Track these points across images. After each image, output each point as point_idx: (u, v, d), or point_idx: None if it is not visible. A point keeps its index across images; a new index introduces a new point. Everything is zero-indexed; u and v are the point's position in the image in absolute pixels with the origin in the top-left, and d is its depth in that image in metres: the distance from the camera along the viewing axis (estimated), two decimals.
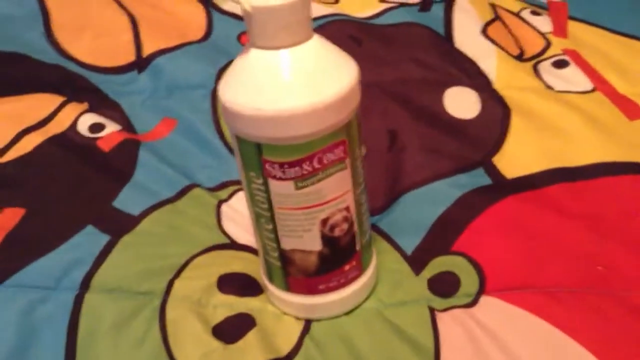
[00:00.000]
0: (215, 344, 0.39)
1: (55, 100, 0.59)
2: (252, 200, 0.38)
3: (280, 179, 0.36)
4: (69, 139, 0.55)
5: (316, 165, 0.36)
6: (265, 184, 0.36)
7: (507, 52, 0.64)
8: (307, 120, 0.34)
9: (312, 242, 0.38)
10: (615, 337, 0.38)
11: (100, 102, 0.60)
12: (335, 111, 0.35)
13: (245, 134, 0.35)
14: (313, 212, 0.37)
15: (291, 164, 0.35)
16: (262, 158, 0.35)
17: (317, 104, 0.34)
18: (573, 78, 0.60)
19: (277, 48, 0.34)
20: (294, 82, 0.34)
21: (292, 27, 0.34)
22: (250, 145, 0.35)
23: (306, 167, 0.35)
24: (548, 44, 0.65)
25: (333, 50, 0.36)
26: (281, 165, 0.35)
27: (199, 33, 0.68)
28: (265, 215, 0.38)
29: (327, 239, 0.38)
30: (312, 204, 0.37)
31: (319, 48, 0.35)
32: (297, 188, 0.36)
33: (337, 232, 0.39)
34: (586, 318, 0.39)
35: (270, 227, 0.38)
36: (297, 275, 0.40)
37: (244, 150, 0.36)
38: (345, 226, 0.39)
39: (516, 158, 0.51)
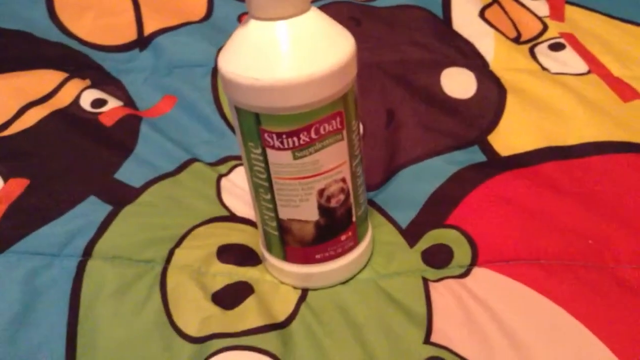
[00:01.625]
0: (214, 309, 0.40)
1: (58, 76, 0.60)
2: (251, 171, 0.39)
3: (278, 148, 0.37)
4: (71, 114, 0.56)
5: (313, 135, 0.37)
6: (264, 154, 0.37)
7: (504, 34, 0.65)
8: (305, 90, 0.35)
9: (309, 212, 0.39)
10: (604, 308, 0.39)
11: (103, 79, 0.61)
12: (332, 82, 0.35)
13: (244, 104, 0.36)
14: (310, 182, 0.38)
15: (289, 134, 0.36)
16: (260, 128, 0.36)
17: (314, 74, 0.34)
18: (569, 60, 0.61)
19: (276, 19, 0.35)
20: (292, 52, 0.35)
21: None
22: (249, 115, 0.36)
23: (304, 137, 0.36)
24: (545, 27, 0.66)
25: (330, 22, 0.37)
26: (279, 135, 0.36)
27: (200, 13, 0.69)
28: (263, 185, 0.39)
29: (323, 209, 0.39)
30: (309, 174, 0.38)
31: (316, 20, 0.36)
32: (295, 158, 0.37)
33: (333, 203, 0.40)
34: (576, 289, 0.40)
35: (268, 197, 0.39)
36: (295, 244, 0.41)
37: (243, 120, 0.37)
38: (341, 197, 0.40)
39: (511, 136, 0.52)
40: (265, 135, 0.36)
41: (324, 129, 0.37)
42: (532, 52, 0.63)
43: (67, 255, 0.43)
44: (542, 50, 0.63)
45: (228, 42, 0.37)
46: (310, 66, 0.35)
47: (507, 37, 0.64)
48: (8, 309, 0.40)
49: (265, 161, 0.38)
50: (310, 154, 0.37)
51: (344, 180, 0.39)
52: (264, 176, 0.39)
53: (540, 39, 0.65)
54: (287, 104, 0.35)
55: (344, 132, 0.38)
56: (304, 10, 0.35)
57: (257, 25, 0.35)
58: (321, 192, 0.39)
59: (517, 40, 0.65)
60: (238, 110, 0.37)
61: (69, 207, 0.47)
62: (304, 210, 0.39)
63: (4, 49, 0.62)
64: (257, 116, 0.36)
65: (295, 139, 0.36)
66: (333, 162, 0.38)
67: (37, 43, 0.63)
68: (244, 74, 0.35)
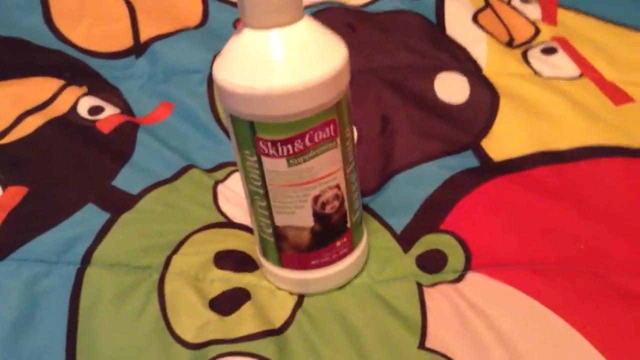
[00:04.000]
0: (211, 315, 0.41)
1: (55, 83, 0.60)
2: (246, 178, 0.40)
3: (273, 156, 0.37)
4: (69, 121, 0.56)
5: (307, 143, 0.37)
6: (259, 161, 0.38)
7: (497, 38, 0.65)
8: (300, 98, 0.35)
9: (305, 219, 0.40)
10: (597, 313, 0.39)
11: (99, 86, 0.61)
12: (326, 90, 0.36)
13: (239, 113, 0.37)
14: (305, 189, 0.39)
15: (283, 142, 0.37)
16: (255, 136, 0.37)
17: (309, 82, 0.35)
18: (561, 64, 0.62)
19: (269, 28, 0.35)
20: (286, 61, 0.35)
21: (283, 8, 0.35)
22: (244, 123, 0.37)
23: (298, 144, 0.37)
24: (537, 32, 0.67)
25: (323, 31, 0.37)
26: (274, 142, 0.37)
27: (196, 19, 0.69)
28: (259, 192, 0.40)
29: (318, 216, 0.40)
30: (304, 181, 0.38)
31: (309, 28, 0.36)
32: (290, 165, 0.38)
33: (328, 209, 0.40)
34: (569, 294, 0.40)
35: (264, 204, 0.40)
36: (290, 251, 0.42)
37: (238, 128, 0.37)
38: (336, 203, 0.40)
39: (504, 141, 0.53)
40: (260, 143, 0.37)
41: (318, 137, 0.37)
42: (524, 56, 0.64)
43: (66, 263, 0.44)
44: (534, 54, 0.63)
45: (223, 50, 0.37)
46: (304, 74, 0.35)
47: (500, 42, 0.65)
48: (8, 316, 0.41)
49: (261, 168, 0.38)
50: (305, 161, 0.38)
51: (338, 186, 0.40)
52: (259, 183, 0.39)
53: (532, 43, 0.65)
54: (282, 112, 0.36)
55: (338, 140, 0.38)
56: (297, 19, 0.36)
57: (251, 34, 0.36)
58: (316, 199, 0.39)
59: (510, 44, 0.65)
60: (233, 119, 0.37)
61: (67, 214, 0.47)
62: (299, 217, 0.40)
63: (0, 56, 0.63)
64: (252, 124, 0.36)
65: (289, 146, 0.37)
66: (327, 169, 0.39)
67: (34, 50, 0.64)
68: (239, 83, 0.35)
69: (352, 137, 0.41)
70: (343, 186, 0.40)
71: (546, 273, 0.42)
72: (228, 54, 0.37)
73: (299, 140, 0.37)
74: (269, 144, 0.37)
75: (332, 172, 0.39)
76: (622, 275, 0.42)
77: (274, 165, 0.38)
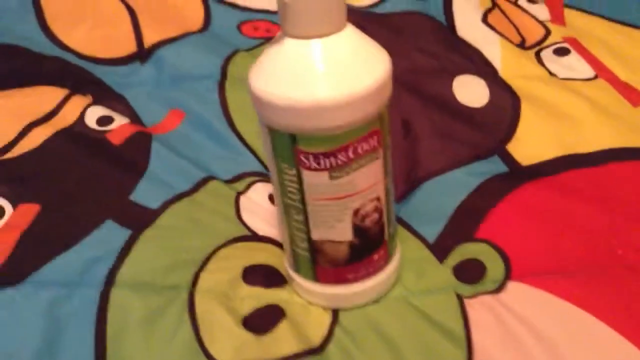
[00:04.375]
0: (247, 335, 0.39)
1: (58, 93, 0.57)
2: (282, 192, 0.38)
3: (314, 169, 0.36)
4: (77, 133, 0.53)
5: (351, 155, 0.36)
6: (299, 174, 0.36)
7: (509, 40, 0.64)
8: (344, 110, 0.34)
9: (344, 233, 0.38)
10: None
11: (105, 95, 0.58)
12: (371, 101, 0.34)
13: (279, 125, 0.35)
14: (346, 203, 0.37)
15: (326, 155, 0.35)
16: (296, 148, 0.35)
17: (354, 94, 0.33)
18: (575, 65, 0.61)
19: (312, 37, 0.34)
20: (330, 72, 0.34)
21: (326, 17, 0.33)
22: (283, 136, 0.35)
23: (341, 157, 0.35)
24: (548, 32, 0.66)
25: (366, 40, 0.36)
26: (316, 156, 0.35)
27: (198, 22, 0.67)
28: (296, 206, 0.38)
29: (357, 229, 0.38)
30: (346, 194, 0.37)
31: (352, 38, 0.35)
32: (332, 178, 0.36)
33: (368, 222, 0.39)
34: (612, 299, 0.40)
35: (300, 218, 0.38)
36: (326, 265, 0.40)
37: (277, 141, 0.36)
38: (376, 216, 0.39)
39: (529, 145, 0.52)
40: (301, 156, 0.35)
41: (362, 148, 0.36)
42: (538, 57, 0.63)
43: (89, 285, 0.41)
44: (547, 55, 0.63)
45: (259, 60, 0.35)
46: (349, 86, 0.34)
47: (513, 43, 0.64)
48: (30, 343, 0.38)
49: (300, 182, 0.37)
50: (347, 174, 0.36)
51: (378, 198, 0.38)
52: (297, 197, 0.37)
53: (544, 44, 0.65)
54: (325, 125, 0.34)
55: (380, 151, 0.37)
56: (340, 29, 0.34)
57: (292, 44, 0.34)
58: (356, 212, 0.38)
59: (522, 45, 0.64)
60: (271, 131, 0.36)
61: (85, 233, 0.45)
62: (338, 231, 0.38)
63: (2, 64, 0.60)
64: (293, 137, 0.35)
65: (332, 159, 0.35)
66: (369, 181, 0.37)
67: (34, 58, 0.61)
68: (281, 94, 0.34)
69: (391, 146, 0.39)
70: (383, 197, 0.39)
71: (587, 279, 0.41)
72: (267, 63, 0.35)
73: (343, 153, 0.35)
74: (311, 157, 0.35)
75: (374, 184, 0.38)
76: None
77: (315, 179, 0.36)
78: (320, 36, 0.34)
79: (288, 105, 0.34)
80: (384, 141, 0.37)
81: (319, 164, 0.35)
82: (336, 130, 0.34)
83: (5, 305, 0.40)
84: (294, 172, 0.36)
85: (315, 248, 0.39)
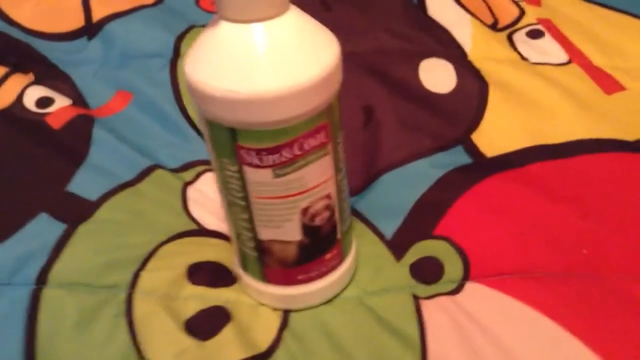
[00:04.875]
0: (189, 341, 0.36)
1: None
2: (225, 189, 0.35)
3: (257, 166, 0.33)
4: (15, 115, 0.49)
5: (297, 151, 0.33)
6: (240, 171, 0.33)
7: (481, 20, 0.61)
8: (288, 103, 0.31)
9: (292, 232, 0.36)
10: (601, 322, 0.37)
11: (48, 73, 0.54)
12: (318, 93, 0.32)
13: (217, 118, 0.32)
14: (293, 201, 0.34)
15: (269, 151, 0.32)
16: (236, 144, 0.32)
17: (299, 85, 0.30)
18: (548, 49, 0.59)
19: (251, 21, 0.30)
20: (272, 60, 0.31)
21: None
22: (222, 130, 0.32)
23: (286, 153, 0.33)
24: (522, 13, 0.63)
25: (313, 24, 0.33)
26: (258, 152, 0.32)
27: None
28: (240, 204, 0.35)
29: (307, 229, 0.36)
30: (292, 193, 0.34)
31: (297, 21, 0.32)
32: (276, 176, 0.33)
33: (318, 221, 0.36)
34: (572, 303, 0.38)
35: (245, 216, 0.36)
36: (275, 266, 0.37)
37: (216, 135, 0.33)
38: (326, 214, 0.36)
39: (495, 135, 0.50)
40: (242, 151, 0.32)
41: (308, 144, 0.33)
42: (510, 39, 0.60)
43: (19, 284, 0.38)
44: (520, 37, 0.60)
45: (195, 45, 0.32)
46: (293, 76, 0.31)
47: (485, 24, 0.61)
48: None
49: (242, 179, 0.34)
50: (294, 171, 0.33)
51: (329, 196, 0.36)
52: (240, 195, 0.35)
53: (517, 26, 0.62)
54: (267, 119, 0.31)
55: (330, 146, 0.34)
56: (283, 11, 0.31)
57: (229, 29, 0.31)
58: (305, 211, 0.35)
59: (494, 27, 0.62)
60: (210, 124, 0.33)
61: (17, 227, 0.41)
62: (286, 231, 0.36)
63: None
64: (232, 131, 0.32)
65: (276, 156, 0.32)
66: (318, 178, 0.35)
67: None
68: (218, 85, 0.31)
69: (343, 141, 0.36)
70: (334, 195, 0.36)
71: (548, 281, 0.39)
72: (202, 50, 0.32)
73: (287, 149, 0.32)
74: (253, 153, 0.32)
75: (323, 182, 0.35)
76: (625, 281, 0.39)
77: (258, 176, 0.33)
78: (260, 20, 0.30)
79: (226, 97, 0.30)
80: (334, 135, 0.34)
81: (261, 160, 0.33)
82: (279, 124, 0.31)
83: None
84: (235, 168, 0.34)
85: (262, 248, 0.37)
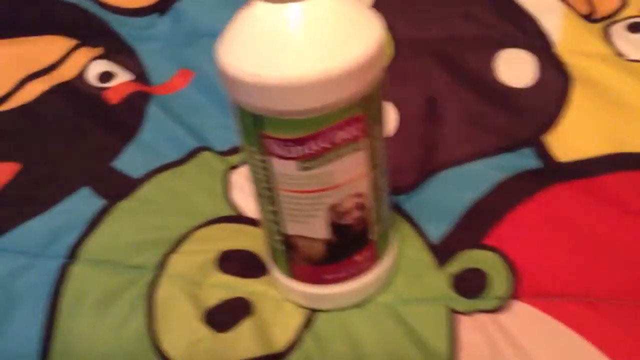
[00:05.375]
0: (205, 331, 0.35)
1: (65, 43, 0.54)
2: (254, 178, 0.34)
3: (282, 157, 0.31)
4: (74, 88, 0.50)
5: (325, 144, 0.30)
6: (266, 161, 0.31)
7: (575, 9, 0.55)
8: (318, 91, 0.28)
9: (318, 229, 0.33)
10: None
11: (116, 48, 0.55)
12: (352, 81, 0.29)
13: (243, 103, 0.30)
14: (320, 197, 0.32)
15: (296, 142, 0.30)
16: (262, 132, 0.30)
17: (330, 71, 0.28)
18: None
19: (287, 1, 0.28)
20: (304, 44, 0.28)
21: None
22: (249, 116, 0.30)
23: (313, 146, 0.30)
24: (624, 3, 0.56)
25: (354, 7, 0.30)
26: (284, 142, 0.30)
27: None
28: (267, 195, 0.33)
29: (335, 227, 0.33)
30: (319, 188, 0.32)
31: (336, 4, 0.29)
32: (302, 169, 0.31)
33: (347, 220, 0.33)
34: (630, 336, 0.33)
35: (272, 208, 0.34)
36: (301, 262, 0.35)
37: (243, 121, 0.31)
38: (357, 214, 0.34)
39: (572, 138, 0.44)
40: (268, 141, 0.30)
41: (339, 137, 0.30)
42: (606, 32, 0.54)
43: (50, 256, 0.39)
44: (618, 31, 0.53)
45: (228, 26, 0.30)
46: (326, 61, 0.28)
47: (578, 13, 0.55)
48: None
49: (268, 169, 0.32)
50: (321, 164, 0.31)
51: (361, 195, 0.33)
52: (266, 185, 0.33)
53: (617, 17, 0.55)
54: (294, 107, 0.29)
55: (364, 141, 0.31)
56: None
57: (263, 9, 0.29)
58: (333, 208, 0.33)
59: (589, 17, 0.55)
60: (238, 110, 0.31)
61: (58, 199, 0.42)
62: (312, 227, 0.33)
63: (15, 10, 0.57)
64: (259, 118, 0.30)
65: (303, 147, 0.30)
66: (348, 174, 0.32)
67: (50, 3, 0.58)
68: (245, 69, 0.29)
69: (382, 136, 0.33)
70: (368, 193, 0.33)
71: (606, 308, 0.35)
72: (234, 31, 0.30)
73: (315, 141, 0.30)
74: (279, 142, 0.30)
75: (354, 179, 0.32)
76: None
77: (283, 168, 0.31)
78: (296, 0, 0.28)
79: (252, 82, 0.29)
80: (371, 130, 0.31)
81: (287, 151, 0.30)
82: (307, 114, 0.29)
83: None
84: (260, 157, 0.32)
85: (289, 242, 0.35)
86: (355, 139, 0.31)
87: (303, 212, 0.33)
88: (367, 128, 0.31)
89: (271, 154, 0.31)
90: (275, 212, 0.34)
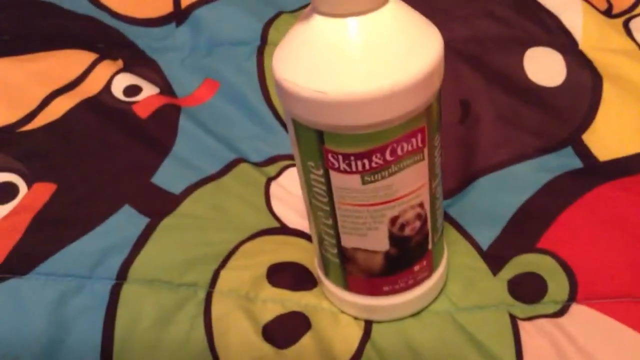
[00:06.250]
0: (267, 348, 0.35)
1: (87, 57, 0.53)
2: (309, 192, 0.33)
3: (344, 171, 0.30)
4: (102, 103, 0.49)
5: (389, 157, 0.30)
6: (326, 176, 0.31)
7: (593, 6, 0.55)
8: (382, 106, 0.28)
9: (378, 242, 0.33)
10: None
11: (136, 60, 0.54)
12: (416, 94, 0.28)
13: (304, 119, 0.29)
14: (381, 210, 0.32)
15: (358, 156, 0.30)
16: (323, 147, 0.30)
17: (394, 86, 0.27)
18: None
19: (346, 16, 0.28)
20: (367, 59, 0.28)
21: None
22: (309, 132, 0.30)
23: (376, 159, 0.30)
24: None
25: (413, 17, 0.29)
26: (346, 156, 0.30)
27: None
28: (323, 209, 0.33)
29: (395, 239, 0.33)
30: (381, 201, 0.31)
31: (397, 15, 0.29)
32: (365, 183, 0.31)
33: (408, 232, 0.33)
34: None
35: (329, 222, 0.33)
36: (358, 274, 0.35)
37: (301, 136, 0.31)
38: (417, 224, 0.33)
39: (609, 136, 0.44)
40: (329, 155, 0.30)
41: (402, 149, 0.30)
42: (626, 27, 0.54)
43: (100, 278, 0.38)
44: (637, 25, 0.54)
45: (285, 40, 0.30)
46: (390, 76, 0.28)
47: (597, 9, 0.55)
48: (35, 341, 0.35)
49: (328, 184, 0.31)
50: (384, 177, 0.31)
51: (421, 205, 0.33)
52: (325, 200, 0.32)
53: (635, 11, 0.55)
54: (358, 122, 0.28)
55: (426, 151, 0.31)
56: (381, 4, 0.28)
57: (322, 23, 0.28)
58: (394, 220, 0.32)
59: (608, 12, 0.55)
60: (296, 125, 0.30)
61: (101, 219, 0.41)
62: (371, 240, 0.33)
63: (28, 23, 0.56)
64: (320, 134, 0.29)
65: (365, 161, 0.30)
66: (410, 185, 0.32)
67: (64, 16, 0.57)
68: (306, 85, 0.28)
69: (441, 145, 0.33)
70: (427, 204, 0.33)
71: None
72: (292, 45, 0.29)
73: (378, 155, 0.30)
74: (340, 157, 0.30)
75: (416, 189, 0.32)
76: None
77: (344, 182, 0.31)
78: (357, 14, 0.28)
79: (314, 98, 0.28)
80: (431, 139, 0.31)
81: (349, 165, 0.30)
82: (371, 128, 0.29)
83: (11, 298, 0.37)
84: (321, 172, 0.31)
85: (345, 256, 0.34)
86: (418, 150, 0.31)
87: (363, 225, 0.32)
88: (428, 138, 0.31)
89: (333, 168, 0.30)
90: (332, 226, 0.33)
